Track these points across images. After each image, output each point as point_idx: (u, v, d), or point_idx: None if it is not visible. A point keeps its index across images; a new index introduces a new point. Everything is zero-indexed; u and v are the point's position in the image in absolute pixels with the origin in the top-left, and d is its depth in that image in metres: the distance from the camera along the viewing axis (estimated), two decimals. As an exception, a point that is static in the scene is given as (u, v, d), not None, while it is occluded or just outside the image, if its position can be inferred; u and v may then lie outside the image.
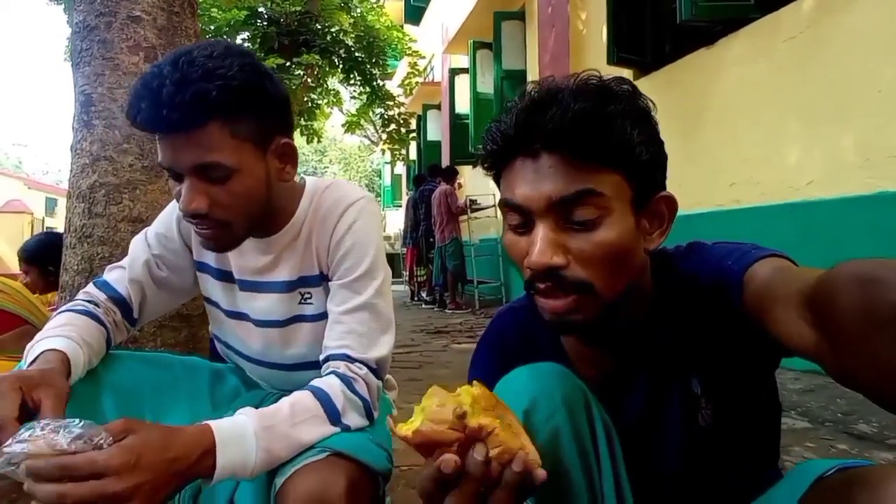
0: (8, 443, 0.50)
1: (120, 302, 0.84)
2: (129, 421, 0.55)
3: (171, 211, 0.88)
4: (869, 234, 2.17)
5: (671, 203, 0.58)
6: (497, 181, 0.59)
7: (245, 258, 0.82)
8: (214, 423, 0.60)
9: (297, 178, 0.82)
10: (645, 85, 3.55)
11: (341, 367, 0.73)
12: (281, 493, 0.63)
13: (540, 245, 0.51)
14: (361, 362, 0.74)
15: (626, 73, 3.70)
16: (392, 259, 9.65)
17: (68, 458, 0.49)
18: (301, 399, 0.68)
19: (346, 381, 0.72)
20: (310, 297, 0.82)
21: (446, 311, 5.57)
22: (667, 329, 0.58)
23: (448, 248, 5.54)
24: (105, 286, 0.85)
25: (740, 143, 2.81)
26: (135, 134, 1.28)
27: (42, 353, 0.69)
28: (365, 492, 0.67)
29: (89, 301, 0.82)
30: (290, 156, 0.77)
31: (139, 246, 0.87)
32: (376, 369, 0.76)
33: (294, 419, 0.65)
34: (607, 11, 3.64)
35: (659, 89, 3.44)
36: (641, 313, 0.59)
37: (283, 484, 0.63)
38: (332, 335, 0.76)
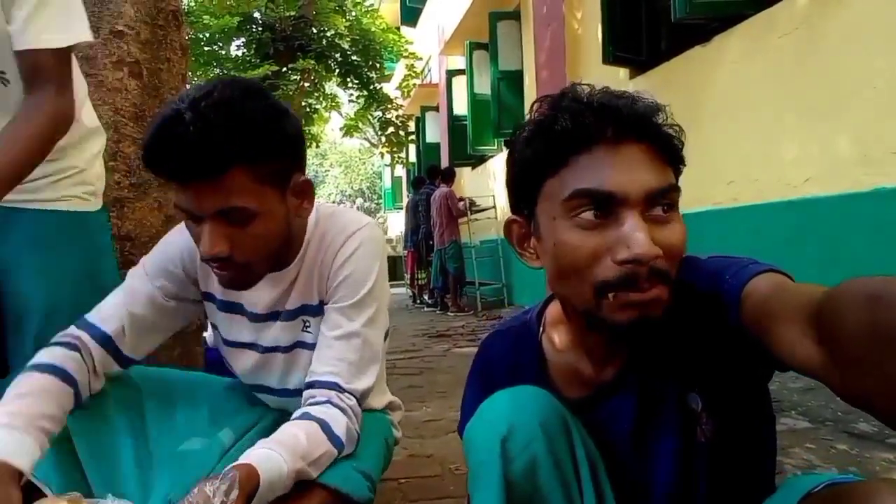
0: None
1: (105, 341, 0.80)
2: None
3: (175, 246, 0.85)
4: (867, 231, 2.15)
5: None
6: (538, 179, 0.55)
7: (255, 294, 0.83)
8: (259, 466, 0.61)
9: None
10: (641, 84, 3.53)
11: (333, 397, 0.74)
12: None
13: (644, 235, 0.49)
14: (350, 393, 0.75)
15: (622, 73, 3.69)
16: (394, 262, 9.65)
17: None
18: (312, 432, 0.69)
19: (346, 414, 0.73)
20: (309, 326, 0.83)
21: (448, 313, 5.56)
22: (663, 341, 0.57)
23: (448, 250, 5.53)
24: (90, 327, 0.80)
25: (738, 140, 2.79)
26: (121, 151, 1.28)
27: None
28: None
29: (68, 344, 0.77)
30: (307, 192, 0.77)
31: (139, 279, 0.84)
32: (359, 399, 0.77)
33: (311, 455, 0.67)
34: (602, 10, 3.63)
35: (655, 88, 3.42)
36: None
37: None
38: (321, 359, 0.77)
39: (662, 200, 0.51)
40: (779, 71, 2.54)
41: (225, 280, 0.74)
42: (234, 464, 0.61)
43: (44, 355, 0.76)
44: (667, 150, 0.53)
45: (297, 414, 0.73)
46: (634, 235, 0.49)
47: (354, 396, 0.75)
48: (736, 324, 0.49)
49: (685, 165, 0.57)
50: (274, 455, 0.63)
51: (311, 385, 0.76)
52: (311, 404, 0.74)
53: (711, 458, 0.56)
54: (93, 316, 0.82)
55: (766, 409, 0.59)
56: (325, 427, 0.70)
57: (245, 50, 7.20)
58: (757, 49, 2.66)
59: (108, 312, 0.82)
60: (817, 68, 2.35)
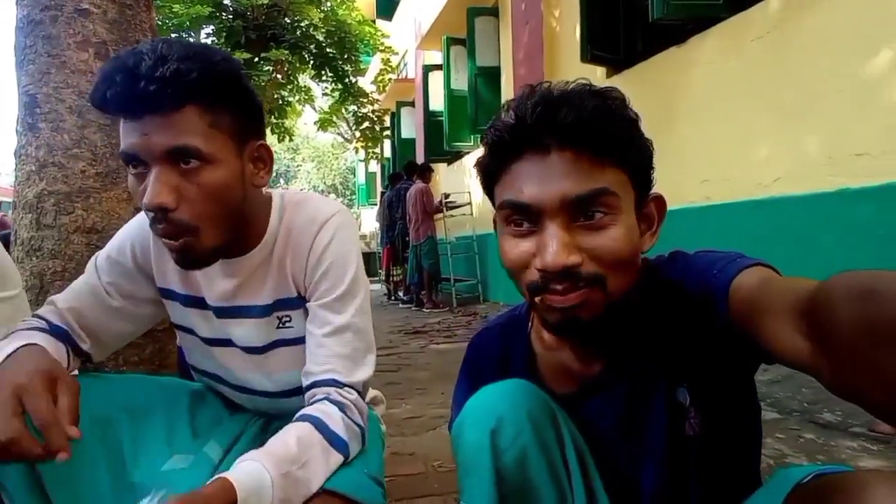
0: None
1: (62, 335, 0.75)
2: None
3: (125, 236, 0.81)
4: (833, 230, 2.23)
5: (661, 204, 0.59)
6: (490, 185, 0.57)
7: (214, 282, 0.77)
8: (234, 479, 0.58)
9: (263, 190, 0.77)
10: (618, 82, 3.57)
11: (332, 393, 0.70)
12: None
13: (555, 246, 0.50)
14: (350, 387, 0.72)
15: (600, 71, 3.72)
16: (368, 258, 9.54)
17: None
18: (305, 433, 0.65)
19: (342, 407, 0.70)
20: (289, 321, 0.78)
21: (424, 310, 5.53)
22: (650, 336, 0.57)
23: (423, 246, 5.50)
24: (41, 319, 0.75)
25: (711, 140, 2.85)
26: (86, 138, 1.20)
27: (21, 348, 0.63)
28: None
29: (37, 327, 0.74)
30: (266, 160, 0.73)
31: (89, 274, 0.80)
32: (362, 392, 0.74)
33: (302, 457, 0.63)
34: (580, 9, 3.66)
35: (631, 87, 3.46)
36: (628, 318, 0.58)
37: None
38: (315, 359, 0.73)
39: (592, 206, 0.51)
40: (752, 72, 2.60)
41: (172, 251, 0.66)
42: (210, 480, 0.58)
43: (19, 326, 0.73)
44: (605, 152, 0.51)
45: (296, 416, 0.69)
46: (546, 245, 0.51)
47: (355, 390, 0.72)
48: (724, 318, 0.50)
49: (644, 158, 0.55)
50: (253, 465, 0.60)
51: (310, 386, 0.72)
52: (309, 404, 0.71)
53: (700, 451, 0.56)
54: (44, 308, 0.77)
55: (752, 400, 0.60)
56: (319, 425, 0.67)
57: (215, 38, 6.96)
58: (731, 51, 2.72)
59: (54, 308, 0.76)
60: (789, 71, 2.42)
